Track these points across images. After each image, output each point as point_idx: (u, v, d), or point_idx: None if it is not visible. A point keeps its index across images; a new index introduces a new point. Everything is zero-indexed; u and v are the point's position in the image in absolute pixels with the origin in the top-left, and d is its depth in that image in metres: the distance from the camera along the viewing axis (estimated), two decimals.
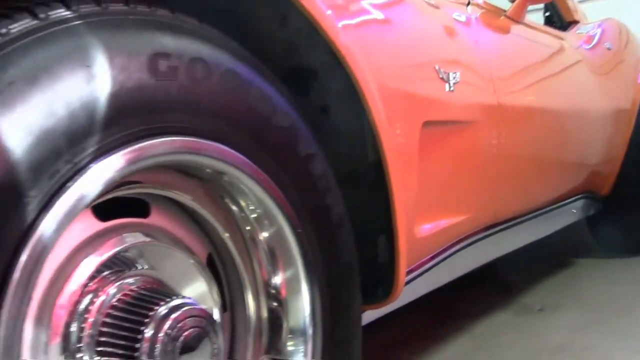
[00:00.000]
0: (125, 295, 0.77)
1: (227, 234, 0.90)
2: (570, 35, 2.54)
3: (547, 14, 2.83)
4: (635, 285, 2.56)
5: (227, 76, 0.81)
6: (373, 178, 1.16)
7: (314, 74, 1.11)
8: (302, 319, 0.97)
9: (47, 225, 0.63)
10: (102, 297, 0.76)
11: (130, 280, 0.78)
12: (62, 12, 0.68)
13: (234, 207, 0.89)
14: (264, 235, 0.92)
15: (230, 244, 0.91)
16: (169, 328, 0.75)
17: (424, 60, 1.33)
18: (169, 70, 0.74)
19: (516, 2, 2.04)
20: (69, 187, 0.65)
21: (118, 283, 0.77)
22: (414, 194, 1.30)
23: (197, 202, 0.87)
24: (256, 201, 0.88)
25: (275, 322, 0.98)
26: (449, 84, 1.38)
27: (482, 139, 1.58)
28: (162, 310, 0.75)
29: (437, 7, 1.57)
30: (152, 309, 0.75)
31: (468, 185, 1.59)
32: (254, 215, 0.90)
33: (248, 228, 0.91)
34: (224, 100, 0.81)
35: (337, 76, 1.05)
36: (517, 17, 2.04)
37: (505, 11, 2.02)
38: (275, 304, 0.98)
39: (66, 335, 0.74)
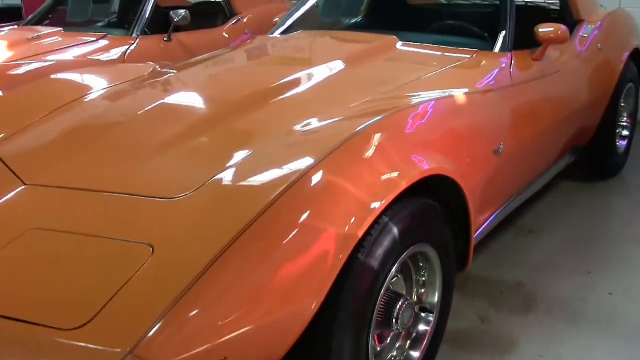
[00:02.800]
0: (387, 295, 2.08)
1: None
2: (569, 48, 3.61)
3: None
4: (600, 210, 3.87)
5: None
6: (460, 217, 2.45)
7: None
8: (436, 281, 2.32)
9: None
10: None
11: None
12: None
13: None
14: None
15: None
16: (404, 309, 2.07)
17: (487, 151, 2.55)
18: None
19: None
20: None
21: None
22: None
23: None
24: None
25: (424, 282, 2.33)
26: (499, 154, 2.61)
27: (513, 161, 2.82)
28: (402, 303, 2.07)
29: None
30: (397, 303, 2.06)
31: (505, 191, 2.89)
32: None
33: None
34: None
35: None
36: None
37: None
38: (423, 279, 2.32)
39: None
